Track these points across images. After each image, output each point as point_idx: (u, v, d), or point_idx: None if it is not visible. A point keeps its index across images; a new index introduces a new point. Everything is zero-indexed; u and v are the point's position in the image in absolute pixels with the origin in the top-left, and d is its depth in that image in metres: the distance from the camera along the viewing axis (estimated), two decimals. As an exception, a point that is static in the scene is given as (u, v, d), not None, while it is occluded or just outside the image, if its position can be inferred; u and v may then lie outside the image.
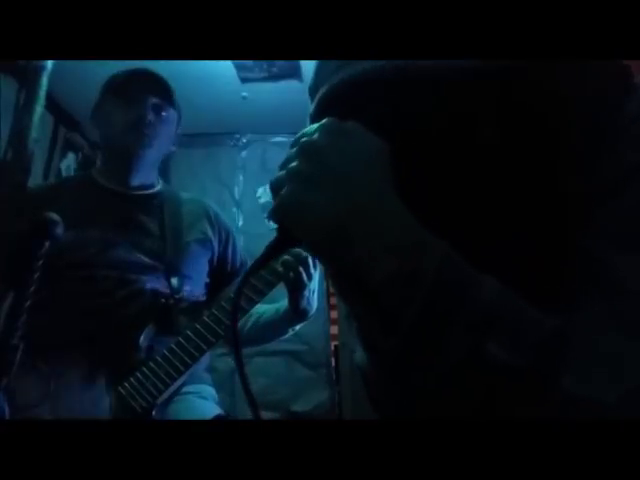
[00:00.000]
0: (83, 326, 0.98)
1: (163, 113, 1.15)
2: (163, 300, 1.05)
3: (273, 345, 1.96)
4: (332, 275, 0.39)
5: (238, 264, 1.23)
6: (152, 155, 1.16)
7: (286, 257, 1.00)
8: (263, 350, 2.02)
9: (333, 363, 2.13)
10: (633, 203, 0.33)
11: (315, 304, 1.10)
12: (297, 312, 1.08)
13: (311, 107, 0.45)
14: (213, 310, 0.99)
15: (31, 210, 1.04)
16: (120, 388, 0.92)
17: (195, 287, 1.14)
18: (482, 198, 0.38)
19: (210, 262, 1.19)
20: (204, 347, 0.95)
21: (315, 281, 1.07)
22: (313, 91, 0.45)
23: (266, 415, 1.94)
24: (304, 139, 0.40)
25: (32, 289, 0.63)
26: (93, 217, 1.09)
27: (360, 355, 0.44)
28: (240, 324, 1.17)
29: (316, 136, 0.39)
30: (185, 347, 0.95)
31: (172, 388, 0.94)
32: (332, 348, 2.16)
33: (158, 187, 1.23)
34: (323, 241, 0.37)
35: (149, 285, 1.05)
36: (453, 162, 0.38)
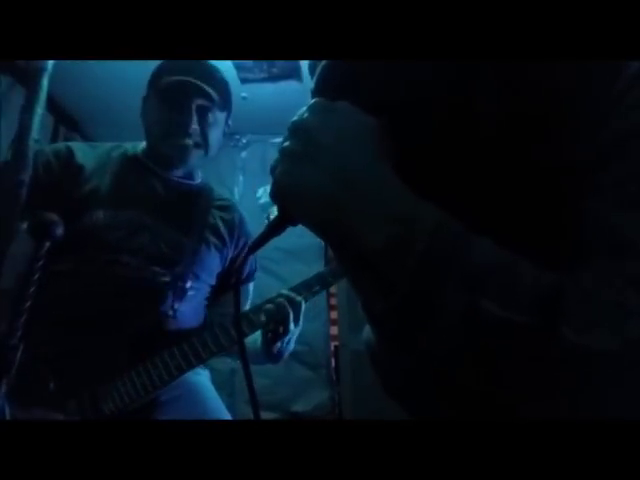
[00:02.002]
0: (91, 308, 0.98)
1: (209, 115, 1.12)
2: (166, 296, 1.06)
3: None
4: (331, 246, 0.41)
5: (245, 274, 1.23)
6: (198, 156, 1.16)
7: (269, 306, 1.02)
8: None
9: (333, 363, 2.13)
10: (634, 165, 0.33)
11: (289, 350, 1.10)
12: (269, 355, 1.08)
13: (312, 84, 0.46)
14: (203, 333, 1.01)
15: (79, 178, 1.05)
16: (99, 387, 0.92)
17: (201, 288, 1.15)
18: (481, 169, 0.38)
19: (221, 267, 1.20)
20: (184, 367, 0.96)
21: (295, 331, 1.06)
22: (312, 68, 0.46)
23: (266, 415, 1.94)
24: (294, 119, 0.42)
25: (32, 289, 0.63)
26: (131, 196, 1.09)
27: (367, 331, 0.46)
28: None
29: (305, 115, 0.41)
30: (167, 364, 0.96)
31: (142, 401, 0.94)
32: (332, 348, 2.16)
33: (198, 181, 1.24)
34: (318, 214, 0.38)
35: (159, 278, 1.06)
36: (451, 135, 0.38)
